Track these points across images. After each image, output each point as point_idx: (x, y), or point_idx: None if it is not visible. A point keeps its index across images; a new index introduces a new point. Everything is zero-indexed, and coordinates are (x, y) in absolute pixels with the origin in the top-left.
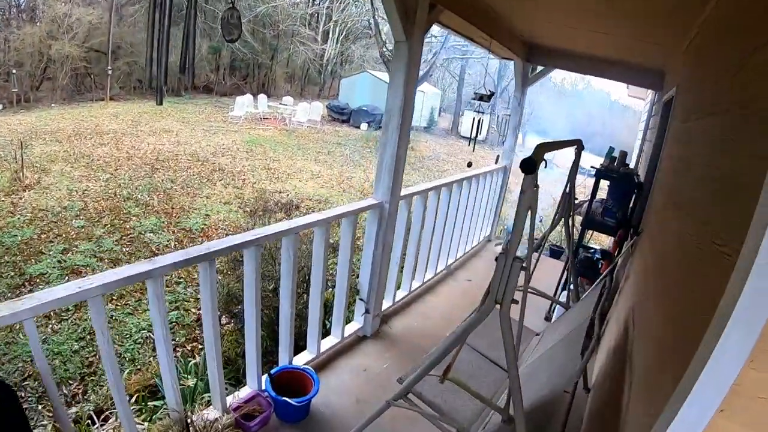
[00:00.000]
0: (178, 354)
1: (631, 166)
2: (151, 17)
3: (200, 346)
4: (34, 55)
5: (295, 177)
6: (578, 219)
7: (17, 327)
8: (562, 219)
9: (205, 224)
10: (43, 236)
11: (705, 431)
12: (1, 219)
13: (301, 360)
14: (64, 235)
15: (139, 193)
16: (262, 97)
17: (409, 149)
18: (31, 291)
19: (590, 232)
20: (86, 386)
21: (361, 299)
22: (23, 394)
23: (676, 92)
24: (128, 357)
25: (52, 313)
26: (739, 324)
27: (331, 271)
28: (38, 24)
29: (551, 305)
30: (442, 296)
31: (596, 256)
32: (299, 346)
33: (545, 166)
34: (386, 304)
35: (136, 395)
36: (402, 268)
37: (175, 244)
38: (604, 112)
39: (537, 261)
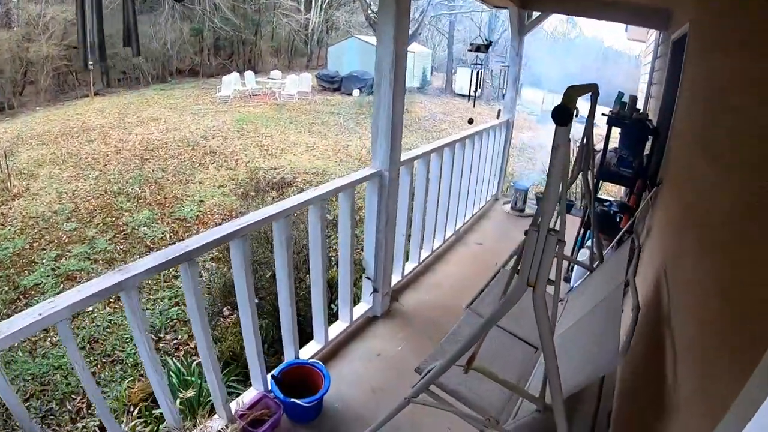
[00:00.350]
0: (182, 353)
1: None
2: None
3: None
4: (14, 60)
5: (290, 151)
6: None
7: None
8: (580, 173)
9: (200, 211)
10: (35, 245)
11: None
12: None
13: (308, 352)
14: (56, 241)
15: (129, 187)
16: (249, 73)
17: (404, 111)
18: (27, 305)
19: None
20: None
21: (368, 278)
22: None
23: (689, 29)
24: (130, 363)
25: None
26: None
27: (333, 247)
28: (14, 28)
29: (569, 265)
30: (454, 264)
31: (612, 209)
32: (306, 334)
33: (576, 116)
34: (395, 279)
35: (140, 404)
36: (409, 236)
37: (170, 236)
38: (599, 59)
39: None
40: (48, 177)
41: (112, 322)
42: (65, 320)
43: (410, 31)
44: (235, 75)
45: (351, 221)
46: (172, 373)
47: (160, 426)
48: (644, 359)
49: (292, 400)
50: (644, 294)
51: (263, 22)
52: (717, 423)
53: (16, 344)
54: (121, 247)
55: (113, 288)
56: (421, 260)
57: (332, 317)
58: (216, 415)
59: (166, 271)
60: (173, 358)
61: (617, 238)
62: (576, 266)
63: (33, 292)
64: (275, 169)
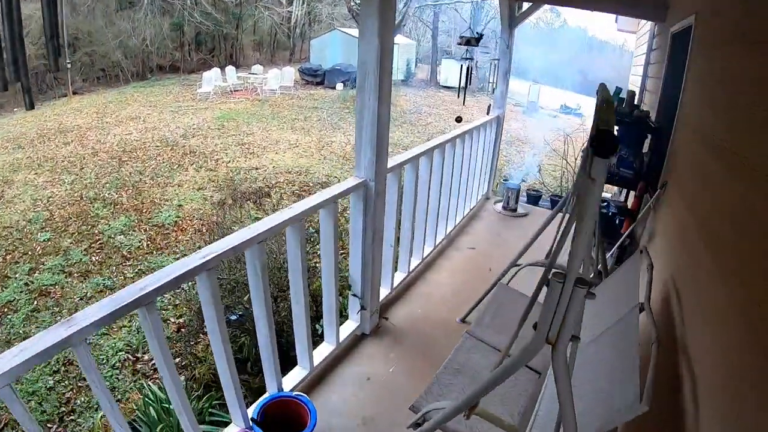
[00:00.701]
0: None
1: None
2: None
3: (184, 361)
4: None
5: (272, 150)
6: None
7: None
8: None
9: (178, 216)
10: (8, 257)
11: None
12: None
13: (292, 380)
14: (30, 253)
15: (106, 192)
16: (230, 69)
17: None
18: None
19: None
20: (66, 427)
21: (354, 295)
22: None
23: (695, 21)
24: (107, 385)
25: None
26: None
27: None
28: None
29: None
30: (446, 271)
31: (611, 210)
32: (290, 357)
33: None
34: (384, 292)
35: None
36: (398, 239)
37: (147, 245)
38: (584, 49)
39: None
40: (23, 183)
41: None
42: (6, 386)
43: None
44: (215, 71)
45: (334, 240)
46: (149, 401)
47: None
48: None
49: None
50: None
51: (245, 16)
52: None
53: None
54: (97, 258)
55: (58, 345)
56: (410, 270)
57: (317, 338)
58: None
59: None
60: (152, 383)
61: (618, 244)
62: None
63: (6, 310)
64: (257, 169)
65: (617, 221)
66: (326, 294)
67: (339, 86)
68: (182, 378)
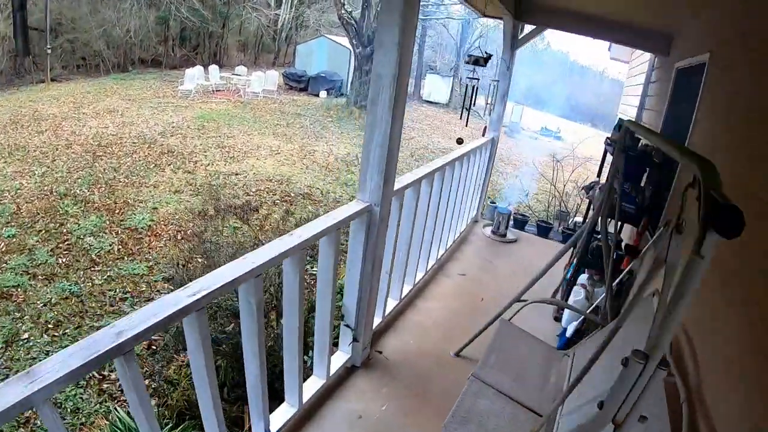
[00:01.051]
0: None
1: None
2: None
3: (155, 384)
4: None
5: (253, 155)
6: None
7: None
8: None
9: (153, 220)
10: None
11: None
12: None
13: (280, 417)
14: None
15: (78, 188)
16: (213, 68)
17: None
18: None
19: (575, 206)
20: None
21: (347, 326)
22: None
23: (710, 60)
24: (69, 408)
25: None
26: None
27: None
28: None
29: (565, 296)
30: (437, 299)
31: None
32: (272, 389)
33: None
34: (376, 320)
35: None
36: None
37: (118, 249)
38: (565, 73)
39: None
40: None
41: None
42: None
43: None
44: (198, 68)
45: (333, 269)
46: (118, 430)
47: None
48: None
49: None
50: None
51: (232, 15)
52: None
53: None
54: (64, 260)
55: (17, 407)
56: (402, 296)
57: (306, 369)
58: None
59: (112, 293)
60: (120, 406)
61: (618, 280)
62: (572, 301)
63: None
64: (237, 174)
65: (615, 256)
66: (319, 326)
67: (323, 94)
68: (153, 403)
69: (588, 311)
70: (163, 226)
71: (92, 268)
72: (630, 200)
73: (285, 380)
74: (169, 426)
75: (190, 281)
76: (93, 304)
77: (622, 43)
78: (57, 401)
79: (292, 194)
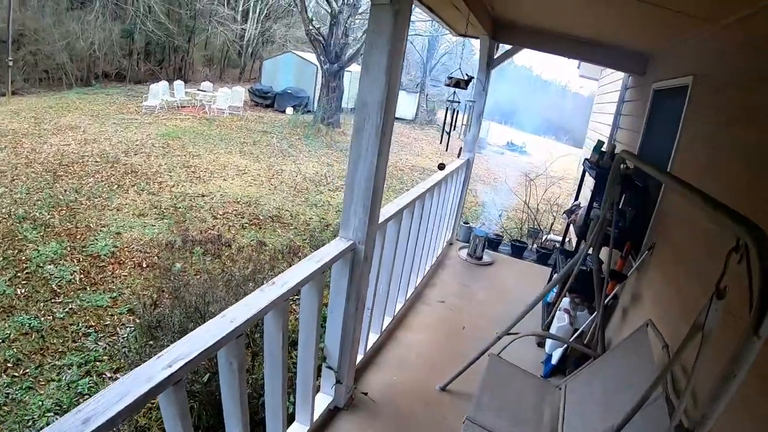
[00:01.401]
0: None
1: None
2: None
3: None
4: None
5: (219, 175)
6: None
7: None
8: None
9: (116, 246)
10: None
11: None
12: None
13: None
14: None
15: (37, 211)
16: (178, 83)
17: (340, 134)
18: None
19: (547, 223)
20: None
21: (329, 368)
22: None
23: (693, 83)
24: None
25: None
26: None
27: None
28: None
29: (548, 322)
30: (418, 330)
31: (590, 265)
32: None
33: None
34: (358, 356)
35: None
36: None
37: (80, 278)
38: (528, 88)
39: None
40: None
41: (9, 397)
42: None
43: (351, 52)
44: (163, 84)
45: (317, 315)
46: None
47: None
48: None
49: None
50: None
51: (198, 29)
52: None
53: None
54: (23, 291)
55: None
56: (383, 329)
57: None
58: None
59: (75, 327)
60: None
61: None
62: (555, 327)
63: None
64: (203, 196)
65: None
66: (302, 372)
67: (289, 111)
68: None
69: (573, 337)
70: (127, 253)
71: (53, 300)
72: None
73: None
74: None
75: (159, 324)
76: (55, 340)
77: (597, 62)
78: None
79: (261, 217)
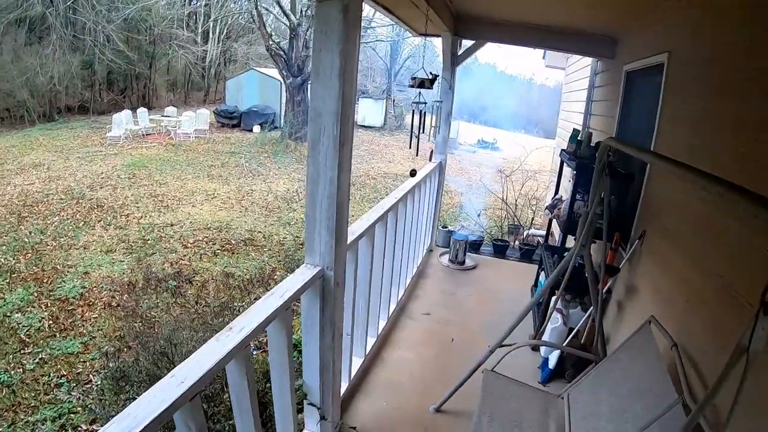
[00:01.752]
0: None
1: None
2: None
3: None
4: None
5: (187, 201)
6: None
7: None
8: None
9: (84, 287)
10: None
11: None
12: None
13: None
14: None
15: (2, 256)
16: (141, 111)
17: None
18: None
19: (528, 217)
20: None
21: (311, 404)
22: None
23: (669, 60)
24: None
25: None
26: None
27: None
28: None
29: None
30: (405, 347)
31: (579, 261)
32: None
33: None
34: (342, 385)
35: None
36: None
37: (50, 325)
38: (493, 84)
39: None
40: None
41: None
42: None
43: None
44: (126, 113)
45: (288, 353)
46: None
47: None
48: None
49: None
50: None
51: (158, 55)
52: None
53: None
54: None
55: None
56: (367, 352)
57: None
58: None
59: (47, 378)
60: None
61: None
62: (549, 329)
63: None
64: (172, 225)
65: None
66: (280, 414)
67: (256, 128)
68: None
69: (569, 339)
70: (96, 293)
71: (22, 351)
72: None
73: None
74: None
75: (124, 375)
76: (27, 395)
77: (564, 50)
78: None
79: (233, 241)
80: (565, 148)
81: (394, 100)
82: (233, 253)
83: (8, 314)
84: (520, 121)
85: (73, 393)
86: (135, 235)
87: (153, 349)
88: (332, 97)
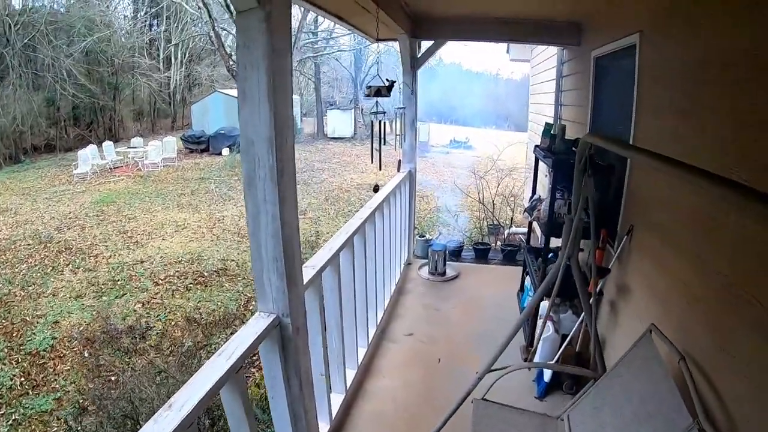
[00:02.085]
0: None
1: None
2: None
3: None
4: None
5: (158, 235)
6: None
7: None
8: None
9: (55, 338)
10: None
11: None
12: None
13: None
14: None
15: None
16: (107, 144)
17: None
18: None
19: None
20: None
21: None
22: None
23: (641, 41)
24: None
25: None
26: None
27: None
28: None
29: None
30: (388, 375)
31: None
32: None
33: None
34: (323, 427)
35: None
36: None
37: (21, 382)
38: (460, 83)
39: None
40: None
41: None
42: None
43: None
44: (92, 148)
45: (248, 420)
46: None
47: None
48: None
49: None
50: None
51: (122, 85)
52: None
53: None
54: None
55: None
56: (348, 386)
57: None
58: None
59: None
60: None
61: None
62: (541, 340)
63: None
64: (142, 262)
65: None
66: None
67: (225, 151)
68: None
69: (563, 348)
70: (67, 344)
71: None
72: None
73: None
74: None
75: None
76: None
77: (527, 41)
78: None
79: (206, 273)
80: (538, 143)
81: (362, 110)
82: (206, 286)
83: None
84: (490, 117)
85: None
86: (104, 277)
87: (111, 413)
88: (263, 122)
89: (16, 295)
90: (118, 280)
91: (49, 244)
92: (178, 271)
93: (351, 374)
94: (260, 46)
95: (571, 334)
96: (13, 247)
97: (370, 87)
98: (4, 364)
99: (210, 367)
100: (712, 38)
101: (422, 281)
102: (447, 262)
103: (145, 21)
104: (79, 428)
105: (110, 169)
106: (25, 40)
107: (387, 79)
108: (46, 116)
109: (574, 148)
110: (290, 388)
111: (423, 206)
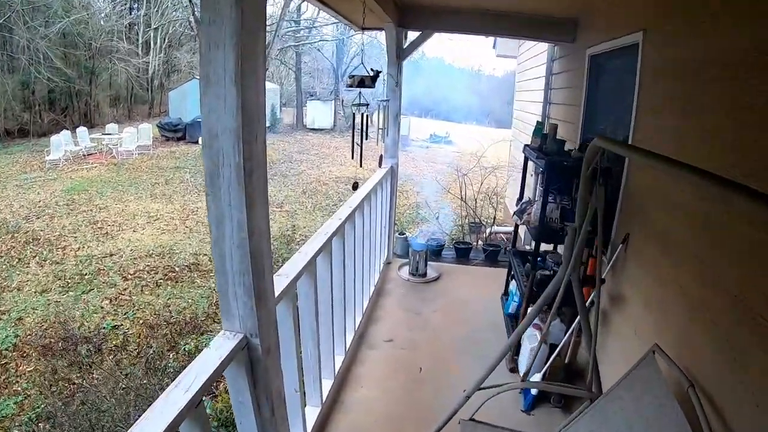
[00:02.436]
0: None
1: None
2: None
3: None
4: None
5: (129, 226)
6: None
7: None
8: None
9: (18, 336)
10: None
11: None
12: None
13: None
14: None
15: None
16: (81, 130)
17: None
18: None
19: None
20: None
21: None
22: None
23: (644, 39)
24: None
25: None
26: None
27: None
28: None
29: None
30: (367, 385)
31: (554, 268)
32: None
33: None
34: None
35: None
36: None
37: None
38: (442, 78)
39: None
40: None
41: None
42: None
43: None
44: (65, 133)
45: None
46: None
47: None
48: None
49: None
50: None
51: (98, 69)
52: None
53: None
54: None
55: None
56: (324, 399)
57: None
58: None
59: None
60: None
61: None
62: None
63: None
64: (111, 255)
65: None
66: None
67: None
68: None
69: (551, 360)
70: (31, 342)
71: None
72: (572, 218)
73: None
74: None
75: None
76: None
77: (519, 36)
78: None
79: (177, 268)
80: (527, 142)
81: (342, 101)
82: (177, 282)
83: None
84: (472, 112)
85: None
86: (72, 270)
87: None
88: (229, 111)
89: None
90: (86, 274)
91: (15, 235)
92: (148, 266)
93: (327, 385)
94: (229, 21)
95: (561, 344)
96: None
97: (353, 77)
98: None
99: (164, 402)
100: (712, 38)
101: (402, 282)
102: (428, 263)
103: (125, 4)
104: None
105: (83, 156)
106: (1, 20)
107: (372, 69)
108: (21, 100)
109: (567, 149)
110: (261, 413)
111: (402, 201)
